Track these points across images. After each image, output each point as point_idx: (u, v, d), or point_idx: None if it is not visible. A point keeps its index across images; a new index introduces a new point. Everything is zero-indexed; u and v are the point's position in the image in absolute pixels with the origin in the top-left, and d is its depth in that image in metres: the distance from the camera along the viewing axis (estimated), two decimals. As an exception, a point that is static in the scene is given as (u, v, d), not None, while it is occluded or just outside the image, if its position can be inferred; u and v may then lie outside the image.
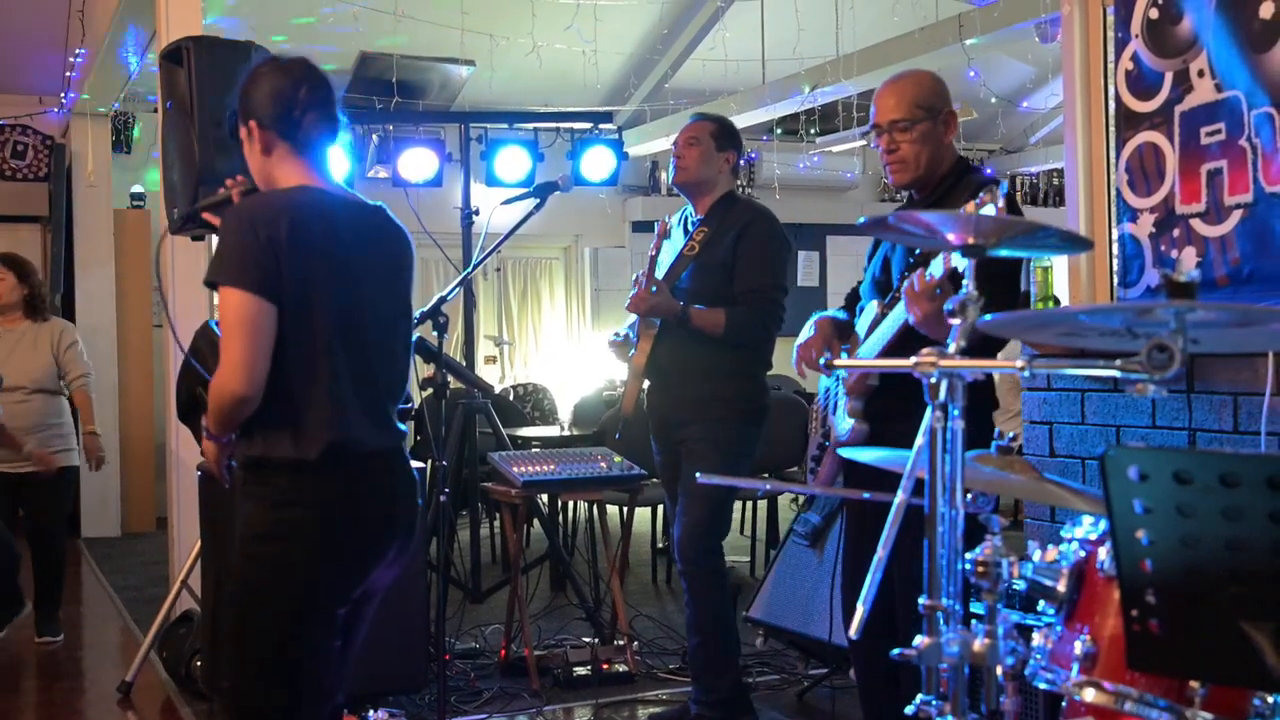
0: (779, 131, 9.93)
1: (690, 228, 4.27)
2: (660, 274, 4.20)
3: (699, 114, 4.44)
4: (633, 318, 4.26)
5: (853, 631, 2.02)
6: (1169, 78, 3.60)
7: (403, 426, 2.71)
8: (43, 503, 5.80)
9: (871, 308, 3.23)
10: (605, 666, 4.80)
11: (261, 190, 2.66)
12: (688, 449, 4.14)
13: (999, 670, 2.02)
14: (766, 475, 3.65)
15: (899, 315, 2.96)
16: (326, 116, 2.65)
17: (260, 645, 2.51)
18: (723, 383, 4.11)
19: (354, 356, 2.55)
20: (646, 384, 4.28)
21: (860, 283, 3.56)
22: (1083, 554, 2.19)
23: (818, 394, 3.54)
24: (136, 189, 9.64)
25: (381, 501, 2.59)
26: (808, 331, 3.37)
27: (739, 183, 10.91)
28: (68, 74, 8.50)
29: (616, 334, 4.34)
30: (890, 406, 3.08)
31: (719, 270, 4.13)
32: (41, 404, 5.80)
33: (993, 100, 9.71)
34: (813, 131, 10.08)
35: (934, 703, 1.95)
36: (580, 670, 4.77)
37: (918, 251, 3.14)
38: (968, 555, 2.04)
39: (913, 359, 1.97)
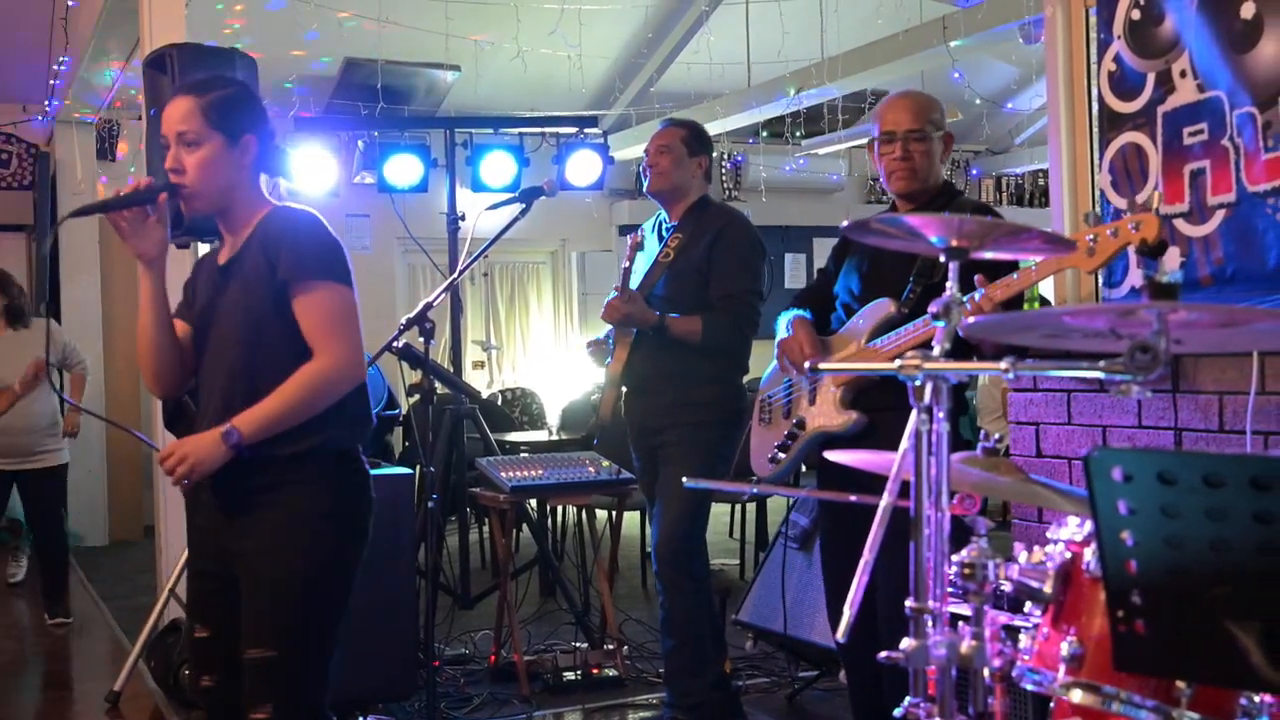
0: (765, 134, 9.94)
1: (665, 234, 4.27)
2: (635, 284, 4.20)
3: (669, 120, 4.43)
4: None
5: (840, 635, 2.02)
6: (1151, 78, 3.61)
7: None
8: (41, 495, 6.30)
9: (882, 305, 3.22)
10: (595, 671, 4.80)
11: (210, 198, 2.74)
12: (666, 453, 4.14)
13: (986, 672, 2.02)
14: (754, 478, 3.64)
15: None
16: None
17: (323, 613, 2.67)
18: (700, 388, 4.12)
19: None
20: (624, 390, 4.28)
21: (818, 282, 3.57)
22: (1069, 555, 2.19)
23: (770, 388, 3.55)
24: (122, 197, 9.61)
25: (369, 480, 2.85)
26: (785, 331, 3.39)
27: (725, 185, 11.01)
28: (52, 82, 8.48)
29: (596, 338, 4.34)
30: (887, 398, 3.08)
31: (694, 276, 4.13)
32: (31, 405, 6.17)
33: (977, 102, 9.73)
34: (798, 134, 10.10)
35: (922, 705, 1.96)
36: (570, 675, 4.77)
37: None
38: (954, 557, 2.05)
39: (897, 361, 1.98)
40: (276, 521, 2.65)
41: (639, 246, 4.31)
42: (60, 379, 6.51)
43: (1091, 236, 2.58)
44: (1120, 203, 3.71)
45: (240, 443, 2.60)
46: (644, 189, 4.32)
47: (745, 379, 4.28)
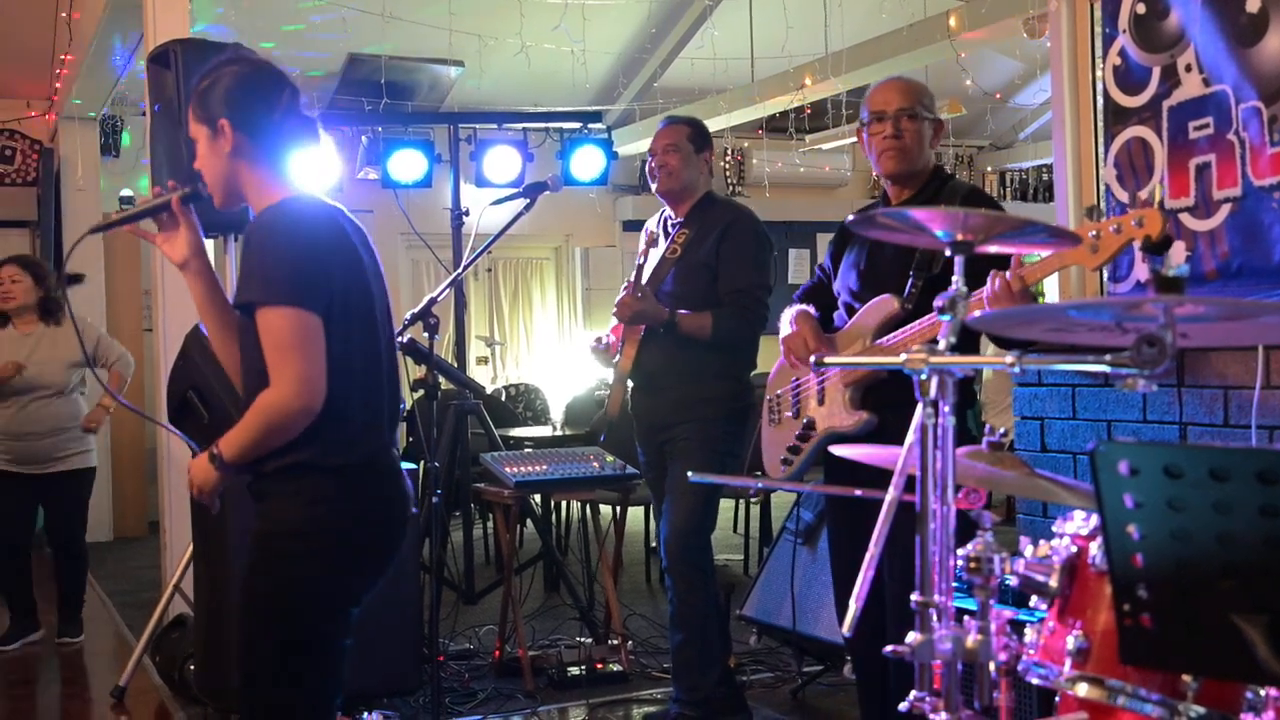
0: (768, 129, 9.94)
1: (670, 230, 4.27)
2: (645, 280, 4.20)
3: (670, 118, 4.41)
4: (614, 320, 4.25)
5: (846, 629, 2.02)
6: (1156, 72, 3.60)
7: None
8: (64, 504, 5.90)
9: (885, 301, 3.20)
10: (599, 666, 4.80)
11: (219, 193, 2.59)
12: (674, 449, 4.14)
13: (992, 666, 2.02)
14: (759, 473, 3.64)
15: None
16: (305, 123, 2.62)
17: (283, 641, 2.50)
18: (707, 384, 4.12)
19: (380, 365, 2.60)
20: (631, 386, 4.28)
21: (818, 279, 3.56)
22: (1074, 549, 2.19)
23: (776, 386, 3.54)
24: (125, 193, 9.62)
25: (403, 504, 2.64)
26: (789, 326, 3.37)
27: (729, 181, 10.99)
28: (55, 78, 8.48)
29: (599, 339, 4.33)
30: (894, 395, 3.06)
31: (702, 272, 4.13)
32: (60, 407, 5.87)
33: (981, 96, 9.72)
34: (802, 129, 10.09)
35: (928, 699, 1.96)
36: (574, 670, 4.77)
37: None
38: (959, 551, 2.04)
39: (903, 355, 1.97)
40: (254, 537, 2.53)
41: (653, 244, 4.31)
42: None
43: (1094, 233, 2.53)
44: (1125, 197, 3.71)
45: (225, 466, 2.50)
46: (654, 189, 4.29)
47: (753, 374, 4.28)
